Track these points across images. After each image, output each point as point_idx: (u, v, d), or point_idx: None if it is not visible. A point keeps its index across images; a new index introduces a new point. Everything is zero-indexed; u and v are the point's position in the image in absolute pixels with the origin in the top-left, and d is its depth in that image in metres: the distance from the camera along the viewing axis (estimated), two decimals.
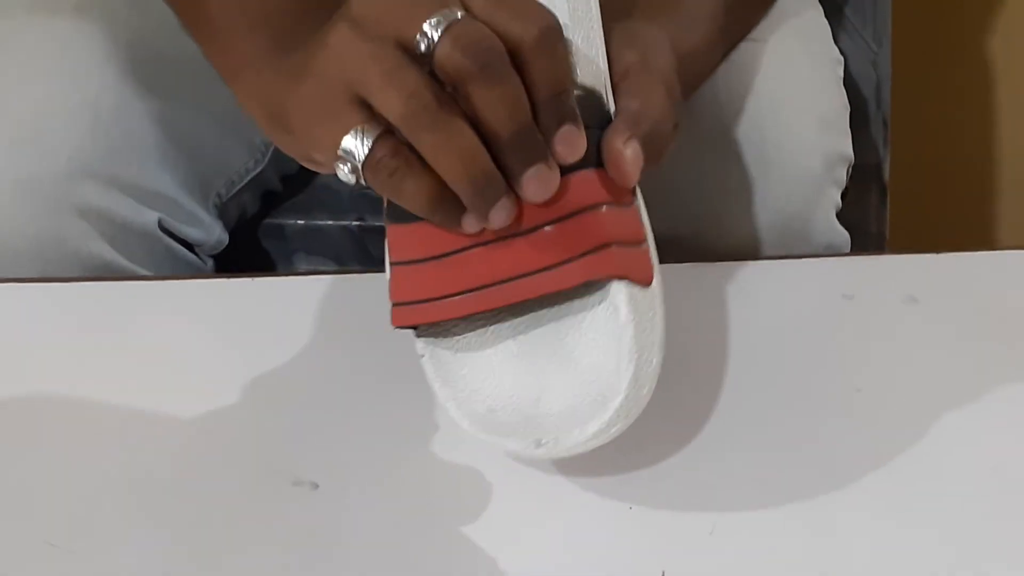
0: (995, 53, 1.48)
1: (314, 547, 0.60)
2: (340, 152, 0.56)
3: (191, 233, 0.86)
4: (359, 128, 0.56)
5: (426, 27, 0.54)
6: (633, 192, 0.61)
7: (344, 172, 0.57)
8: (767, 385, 0.70)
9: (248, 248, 0.89)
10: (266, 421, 0.68)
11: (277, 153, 0.89)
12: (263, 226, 0.95)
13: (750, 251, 0.82)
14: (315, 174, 0.90)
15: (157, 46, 0.82)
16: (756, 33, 0.84)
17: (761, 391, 0.69)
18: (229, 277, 0.79)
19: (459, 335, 0.62)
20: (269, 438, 0.67)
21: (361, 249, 0.95)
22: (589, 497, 0.62)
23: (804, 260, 0.80)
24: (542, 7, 0.56)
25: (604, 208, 0.59)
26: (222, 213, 0.89)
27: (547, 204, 0.58)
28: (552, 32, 0.56)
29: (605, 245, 0.59)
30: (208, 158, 0.87)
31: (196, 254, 0.87)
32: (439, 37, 0.54)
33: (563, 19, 0.60)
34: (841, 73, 0.93)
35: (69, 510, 0.63)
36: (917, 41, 1.31)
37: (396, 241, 0.62)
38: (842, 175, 0.87)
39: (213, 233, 0.88)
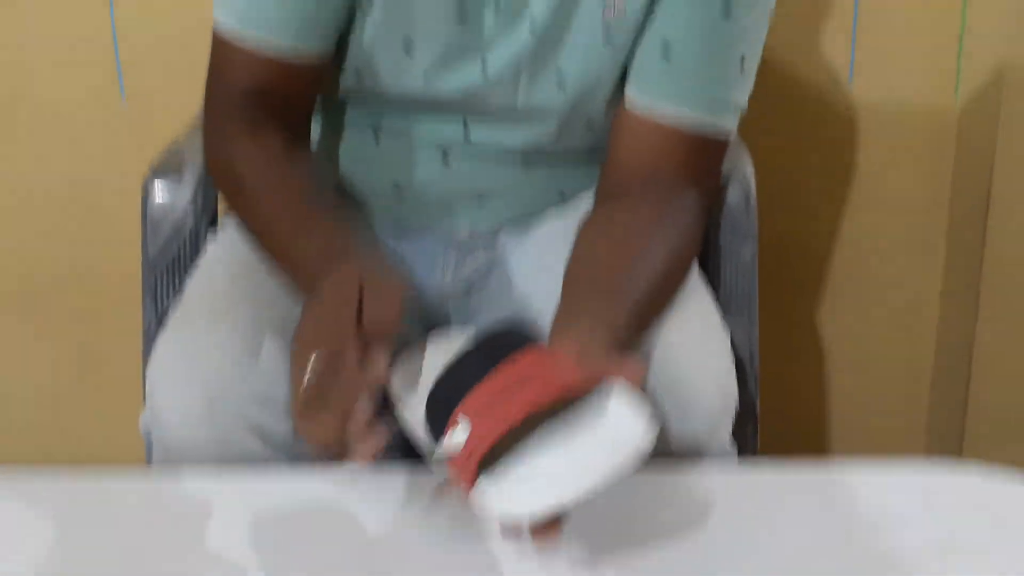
0: (831, 335, 1.75)
1: None
2: None
3: None
4: None
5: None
6: None
7: None
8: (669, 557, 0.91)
9: None
10: None
11: None
12: None
13: (677, 456, 0.98)
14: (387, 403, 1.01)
15: (295, 313, 1.00)
16: (670, 317, 1.01)
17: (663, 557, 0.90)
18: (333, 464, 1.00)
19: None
20: None
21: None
22: None
23: (705, 469, 0.99)
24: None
25: None
26: None
27: None
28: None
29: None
30: None
31: None
32: None
33: None
34: (729, 342, 1.07)
35: None
36: (775, 322, 1.41)
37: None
38: (732, 410, 1.03)
39: None
